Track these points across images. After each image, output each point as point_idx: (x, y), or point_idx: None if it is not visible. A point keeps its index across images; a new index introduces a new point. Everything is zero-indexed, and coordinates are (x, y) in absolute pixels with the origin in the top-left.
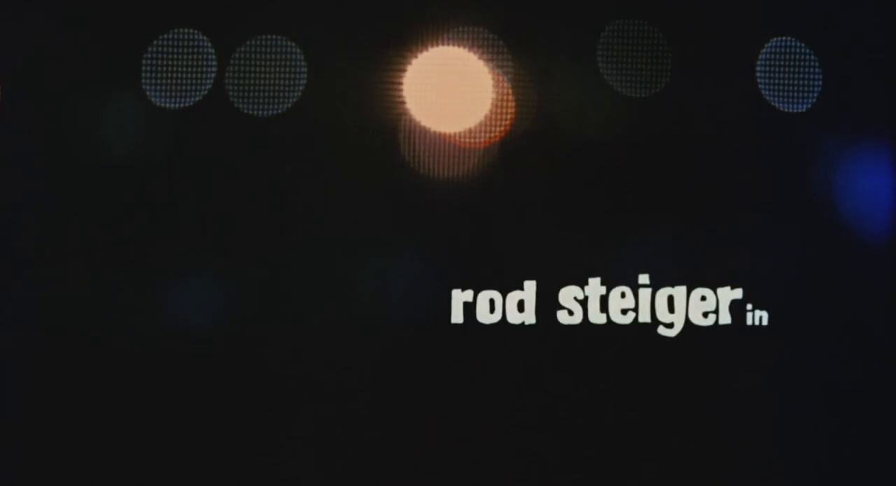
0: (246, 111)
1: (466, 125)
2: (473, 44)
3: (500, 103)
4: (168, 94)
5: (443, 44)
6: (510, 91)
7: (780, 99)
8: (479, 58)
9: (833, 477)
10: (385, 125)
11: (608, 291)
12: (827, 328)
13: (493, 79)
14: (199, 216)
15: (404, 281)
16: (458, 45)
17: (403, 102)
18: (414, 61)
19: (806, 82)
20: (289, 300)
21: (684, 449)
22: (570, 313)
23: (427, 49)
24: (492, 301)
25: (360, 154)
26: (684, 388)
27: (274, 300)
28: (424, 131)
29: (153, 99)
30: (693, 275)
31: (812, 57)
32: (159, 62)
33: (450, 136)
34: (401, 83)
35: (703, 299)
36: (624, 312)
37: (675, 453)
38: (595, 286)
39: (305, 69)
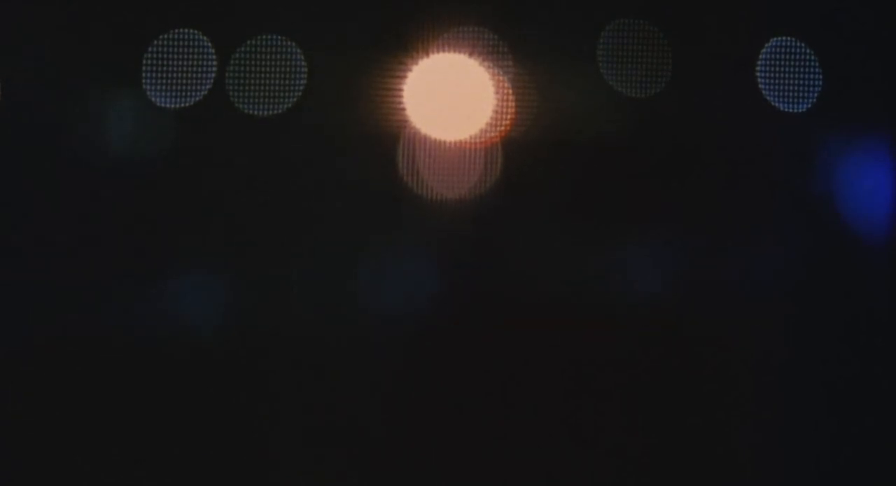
0: (246, 111)
1: (467, 132)
2: (474, 46)
3: (500, 106)
4: (168, 93)
5: (444, 49)
6: (510, 93)
7: (780, 99)
8: (481, 64)
9: (833, 477)
10: (385, 131)
11: (608, 291)
12: (827, 328)
13: (494, 84)
14: (198, 216)
15: (403, 283)
16: (459, 51)
17: (403, 109)
18: (414, 68)
19: (806, 82)
20: (287, 301)
21: (684, 449)
22: (569, 313)
23: (428, 55)
24: (491, 302)
25: (361, 157)
26: (684, 388)
27: (272, 301)
28: (425, 137)
29: (153, 99)
30: (692, 275)
31: (812, 57)
32: (159, 62)
33: (450, 142)
34: (401, 89)
35: (702, 298)
36: (623, 312)
37: (674, 452)
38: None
39: (306, 69)
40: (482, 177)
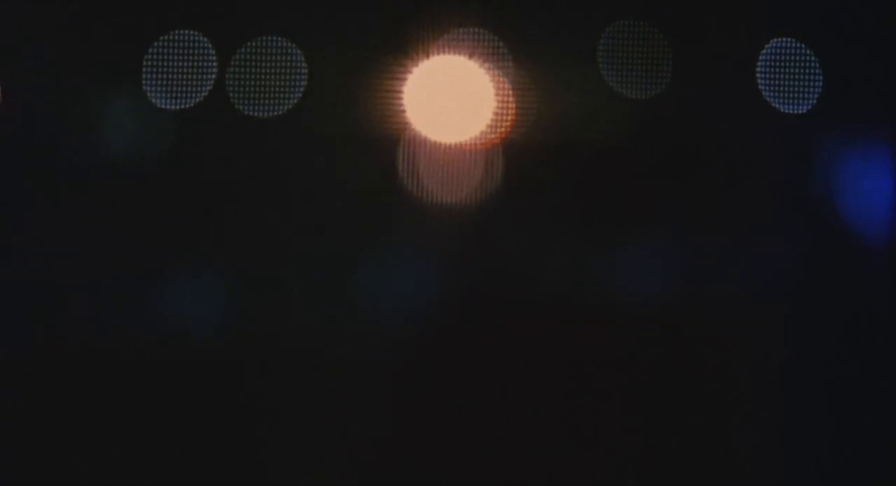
0: (247, 112)
1: (468, 134)
2: (475, 48)
3: (500, 108)
4: (168, 95)
5: (444, 51)
6: (511, 94)
7: (781, 100)
8: (481, 66)
9: (833, 477)
10: (385, 133)
11: (608, 291)
12: (827, 328)
13: (495, 86)
14: (198, 216)
15: (403, 284)
16: (459, 53)
17: (404, 111)
18: (415, 69)
19: (806, 83)
20: (287, 303)
21: (684, 449)
22: (569, 313)
23: (428, 57)
24: (491, 303)
25: (361, 159)
26: (684, 388)
27: (272, 301)
28: (425, 139)
29: (154, 100)
30: (692, 275)
31: (812, 57)
32: (160, 63)
33: (450, 144)
34: (401, 91)
35: (702, 298)
36: (623, 312)
37: (674, 452)
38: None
39: (306, 70)
40: (483, 179)
